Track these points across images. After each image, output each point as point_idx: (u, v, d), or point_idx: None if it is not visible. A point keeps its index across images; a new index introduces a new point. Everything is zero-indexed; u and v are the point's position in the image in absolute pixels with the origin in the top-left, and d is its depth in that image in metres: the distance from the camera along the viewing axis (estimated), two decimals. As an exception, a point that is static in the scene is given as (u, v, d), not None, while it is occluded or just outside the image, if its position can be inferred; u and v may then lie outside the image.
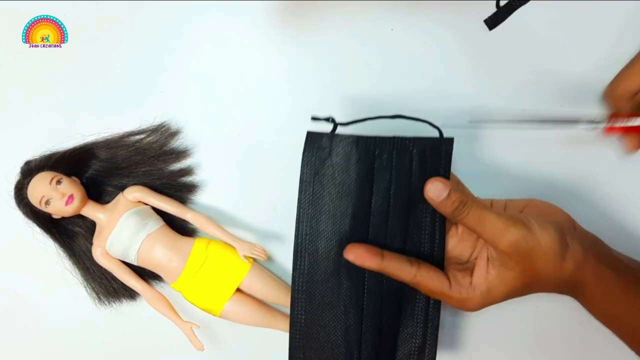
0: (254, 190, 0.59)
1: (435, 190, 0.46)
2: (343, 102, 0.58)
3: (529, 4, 0.52)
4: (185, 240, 0.56)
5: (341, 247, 0.47)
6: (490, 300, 0.47)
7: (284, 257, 0.59)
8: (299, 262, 0.47)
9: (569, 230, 0.48)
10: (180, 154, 0.58)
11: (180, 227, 0.57)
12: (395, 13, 0.56)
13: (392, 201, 0.47)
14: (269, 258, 0.59)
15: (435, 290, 0.47)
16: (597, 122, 0.49)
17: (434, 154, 0.47)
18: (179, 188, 0.58)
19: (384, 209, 0.47)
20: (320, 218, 0.47)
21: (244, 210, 0.59)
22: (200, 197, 0.59)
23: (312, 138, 0.46)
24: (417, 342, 0.49)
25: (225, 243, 0.56)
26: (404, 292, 0.49)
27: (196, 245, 0.56)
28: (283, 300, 0.57)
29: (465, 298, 0.47)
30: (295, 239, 0.47)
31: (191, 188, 0.59)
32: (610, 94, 0.53)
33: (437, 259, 0.48)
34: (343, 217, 0.47)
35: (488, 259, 0.47)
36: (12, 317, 0.61)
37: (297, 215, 0.47)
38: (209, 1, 0.57)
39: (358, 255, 0.46)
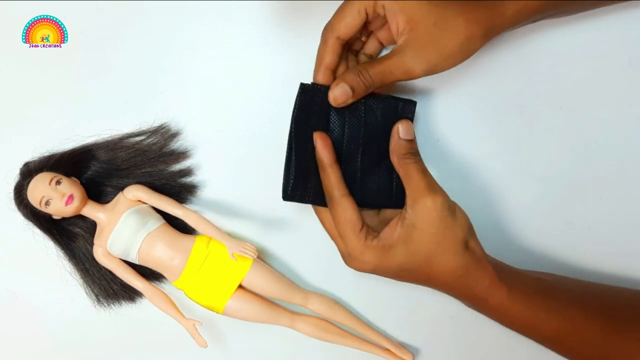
0: (253, 191, 0.59)
1: (406, 129, 0.50)
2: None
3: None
4: (186, 238, 0.56)
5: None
6: (388, 258, 0.49)
7: (285, 255, 0.60)
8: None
9: (473, 230, 0.50)
10: (180, 155, 0.58)
11: (181, 225, 0.57)
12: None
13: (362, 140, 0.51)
14: (260, 257, 0.59)
15: (348, 220, 0.49)
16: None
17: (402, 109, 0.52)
18: (179, 189, 0.58)
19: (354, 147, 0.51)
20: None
21: (243, 210, 0.59)
22: (200, 198, 0.59)
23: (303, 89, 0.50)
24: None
25: (227, 240, 0.56)
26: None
27: (197, 243, 0.56)
28: (285, 296, 0.57)
29: (367, 245, 0.49)
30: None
31: (191, 189, 0.59)
32: (328, 37, 0.52)
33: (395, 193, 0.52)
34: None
35: (400, 219, 0.49)
36: (12, 319, 0.60)
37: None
38: (208, 2, 0.57)
39: (325, 141, 0.49)
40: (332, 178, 0.49)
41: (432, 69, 0.48)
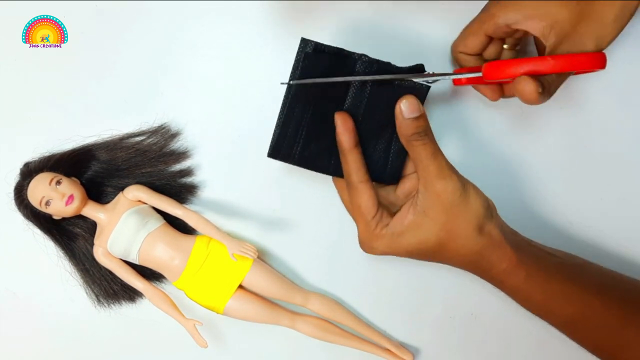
0: (253, 191, 0.59)
1: (410, 106, 0.47)
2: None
3: None
4: (187, 238, 0.56)
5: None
6: (397, 245, 0.49)
7: (285, 255, 0.60)
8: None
9: (492, 212, 0.49)
10: (180, 155, 0.58)
11: (182, 226, 0.57)
12: (397, 14, 0.57)
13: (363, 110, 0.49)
14: (260, 257, 0.59)
15: (362, 207, 0.49)
16: (440, 75, 0.49)
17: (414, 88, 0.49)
18: (179, 189, 0.58)
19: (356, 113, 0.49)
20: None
21: (243, 210, 0.59)
22: (200, 198, 0.59)
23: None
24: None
25: (227, 240, 0.56)
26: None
27: (197, 243, 0.56)
28: (285, 296, 0.57)
29: (377, 234, 0.49)
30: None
31: (191, 189, 0.59)
32: (454, 52, 0.54)
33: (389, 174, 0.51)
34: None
35: (412, 204, 0.48)
36: (12, 319, 0.60)
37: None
38: (209, 2, 0.57)
39: (346, 124, 0.48)
40: (351, 163, 0.48)
41: (599, 45, 0.45)
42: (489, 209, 0.49)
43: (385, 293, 0.60)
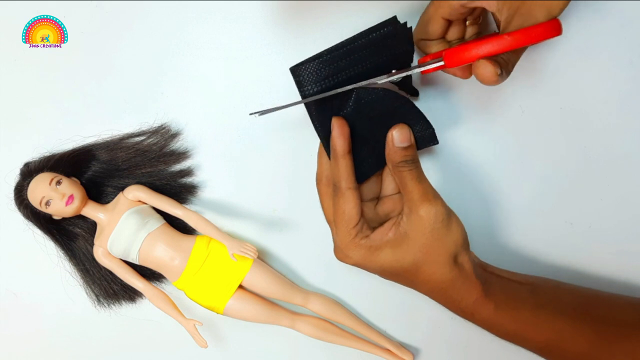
0: (253, 192, 0.59)
1: (401, 135, 0.48)
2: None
3: None
4: (187, 238, 0.56)
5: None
6: (373, 258, 0.49)
7: (285, 255, 0.60)
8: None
9: (467, 244, 0.50)
10: (181, 155, 0.58)
11: (182, 226, 0.57)
12: (398, 14, 0.57)
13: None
14: (260, 257, 0.59)
15: (346, 214, 0.48)
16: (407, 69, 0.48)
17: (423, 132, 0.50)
18: (179, 189, 0.58)
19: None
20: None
21: (243, 211, 0.59)
22: (200, 198, 0.59)
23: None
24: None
25: (227, 240, 0.56)
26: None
27: (197, 243, 0.56)
28: (285, 296, 0.57)
29: (355, 243, 0.49)
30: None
31: (191, 189, 0.59)
32: (415, 41, 0.53)
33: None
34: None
35: (394, 224, 0.49)
36: (12, 319, 0.61)
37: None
38: (209, 2, 0.57)
39: (342, 129, 0.47)
40: (342, 168, 0.48)
41: (551, 13, 0.44)
42: (466, 240, 0.50)
43: (385, 293, 0.59)
